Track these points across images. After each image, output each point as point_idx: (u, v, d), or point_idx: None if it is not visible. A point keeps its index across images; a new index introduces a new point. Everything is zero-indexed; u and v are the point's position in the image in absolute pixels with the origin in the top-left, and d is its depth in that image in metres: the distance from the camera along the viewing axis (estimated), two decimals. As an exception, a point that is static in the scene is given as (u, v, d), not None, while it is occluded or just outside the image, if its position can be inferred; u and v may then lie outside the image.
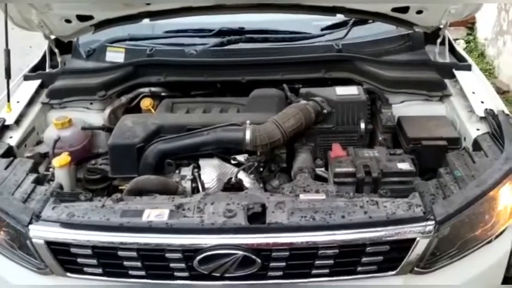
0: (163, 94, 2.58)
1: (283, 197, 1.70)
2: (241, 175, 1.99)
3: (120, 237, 1.59)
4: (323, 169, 2.11)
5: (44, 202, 1.70)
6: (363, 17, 2.59)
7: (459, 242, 1.69)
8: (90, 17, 2.45)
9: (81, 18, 2.45)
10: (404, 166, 1.90)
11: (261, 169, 2.09)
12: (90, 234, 1.60)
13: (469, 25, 6.32)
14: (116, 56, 2.63)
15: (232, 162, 2.10)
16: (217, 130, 2.08)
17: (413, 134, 2.11)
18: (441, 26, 2.49)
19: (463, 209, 1.60)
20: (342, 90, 2.26)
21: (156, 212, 1.62)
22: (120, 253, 1.60)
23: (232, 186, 1.96)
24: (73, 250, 1.62)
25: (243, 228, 1.57)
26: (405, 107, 2.36)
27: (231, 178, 1.98)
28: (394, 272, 1.65)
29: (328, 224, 1.57)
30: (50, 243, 1.63)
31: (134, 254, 1.59)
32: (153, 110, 2.48)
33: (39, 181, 1.86)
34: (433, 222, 1.57)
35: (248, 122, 2.07)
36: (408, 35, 2.66)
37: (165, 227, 1.58)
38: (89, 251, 1.61)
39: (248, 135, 2.01)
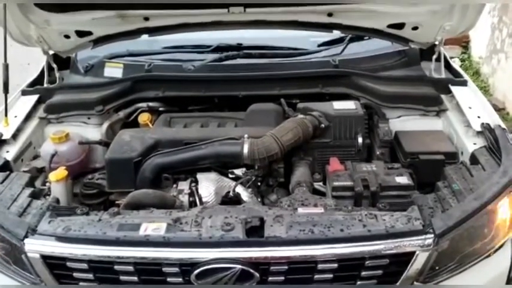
0: (161, 109, 2.58)
1: (281, 211, 1.68)
2: (239, 189, 1.98)
3: (116, 251, 1.57)
4: (321, 183, 2.11)
5: (40, 216, 1.68)
6: (359, 34, 2.63)
7: (458, 255, 1.69)
8: (89, 33, 2.47)
9: (80, 33, 2.47)
10: (403, 180, 1.90)
11: (259, 183, 2.09)
12: (86, 248, 1.58)
13: (464, 44, 6.42)
14: (114, 71, 2.64)
15: (230, 176, 2.10)
16: (215, 144, 2.07)
17: (411, 149, 2.12)
18: (436, 43, 2.53)
19: (462, 222, 1.60)
20: (339, 105, 2.27)
21: (153, 225, 1.60)
22: (117, 267, 1.58)
23: (230, 200, 1.95)
24: (69, 264, 1.60)
25: (241, 241, 1.55)
26: (402, 122, 2.38)
27: (228, 192, 1.97)
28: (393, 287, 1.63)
29: (327, 237, 1.55)
30: (45, 258, 1.60)
31: (131, 268, 1.57)
32: (150, 125, 2.48)
33: (35, 195, 1.84)
34: (433, 235, 1.56)
35: (246, 135, 2.07)
36: (404, 51, 2.69)
37: (163, 241, 1.56)
38: (85, 265, 1.59)
39: (246, 149, 2.00)
